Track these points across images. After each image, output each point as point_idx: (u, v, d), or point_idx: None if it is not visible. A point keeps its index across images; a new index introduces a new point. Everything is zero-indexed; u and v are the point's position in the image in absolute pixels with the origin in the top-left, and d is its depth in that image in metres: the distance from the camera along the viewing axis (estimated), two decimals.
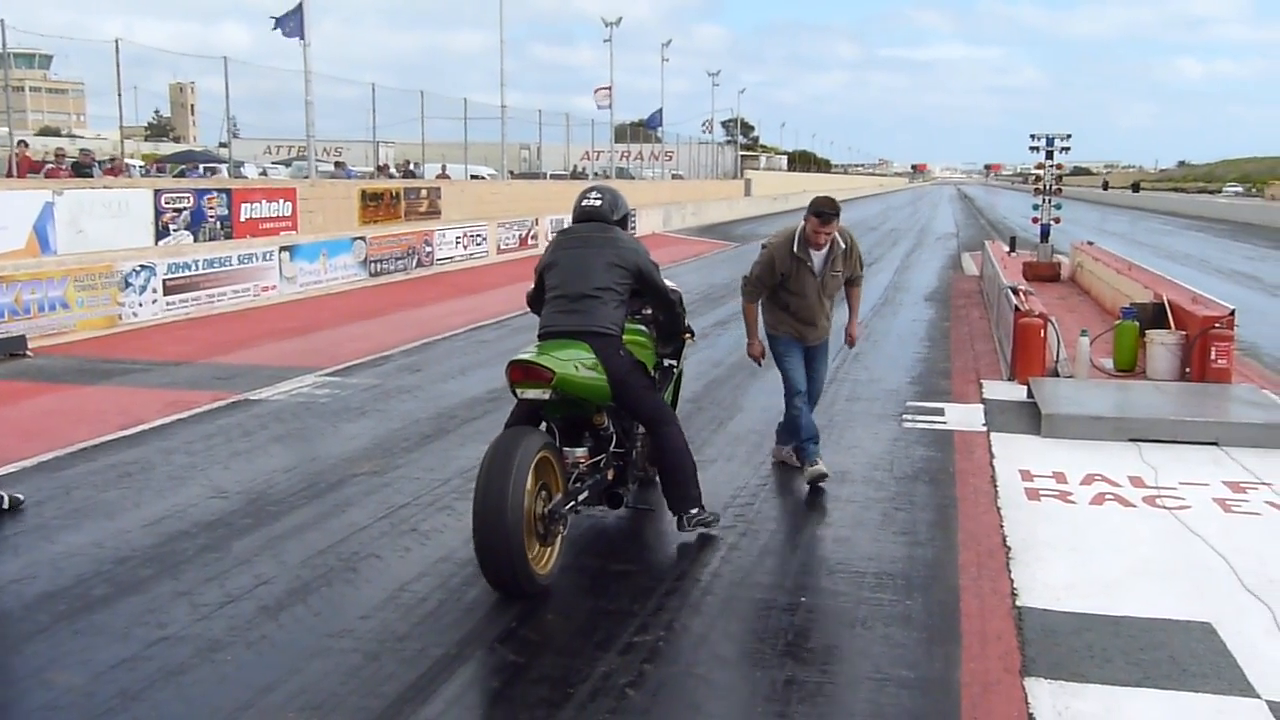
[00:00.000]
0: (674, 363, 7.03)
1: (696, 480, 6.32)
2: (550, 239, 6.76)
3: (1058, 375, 10.86)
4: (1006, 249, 22.71)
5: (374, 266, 20.50)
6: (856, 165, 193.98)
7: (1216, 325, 10.63)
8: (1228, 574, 5.80)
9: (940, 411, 9.72)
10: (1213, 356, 10.53)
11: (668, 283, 6.58)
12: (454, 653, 4.81)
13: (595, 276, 6.06)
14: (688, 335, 7.02)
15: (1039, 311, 11.12)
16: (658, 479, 6.47)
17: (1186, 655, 4.82)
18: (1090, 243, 21.81)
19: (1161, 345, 11.10)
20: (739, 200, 59.74)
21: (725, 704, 4.40)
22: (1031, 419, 9.21)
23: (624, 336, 6.16)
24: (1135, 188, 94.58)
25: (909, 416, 9.53)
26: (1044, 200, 21.48)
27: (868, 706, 4.36)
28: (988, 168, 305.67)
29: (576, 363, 5.81)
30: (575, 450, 6.03)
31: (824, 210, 7.15)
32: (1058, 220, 21.84)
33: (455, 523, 6.55)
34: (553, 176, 42.09)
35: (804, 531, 6.47)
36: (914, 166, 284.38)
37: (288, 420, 9.29)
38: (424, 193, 25.84)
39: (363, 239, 20.29)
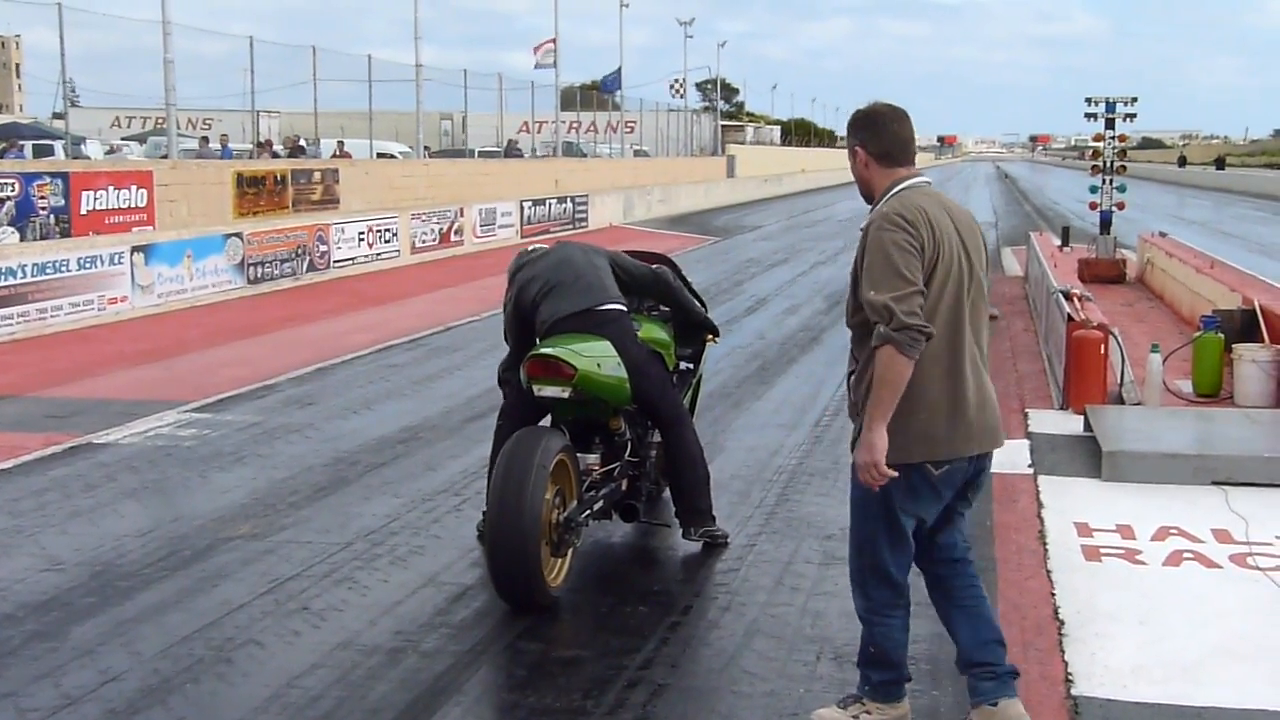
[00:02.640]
0: (692, 366, 7.92)
1: (709, 492, 7.22)
2: (508, 283, 7.46)
3: (1123, 402, 11.00)
4: (1057, 242, 22.96)
5: (254, 271, 20.46)
6: None
7: None
8: None
9: None
10: None
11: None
12: None
13: (582, 265, 7.09)
14: (712, 336, 7.98)
15: (1098, 322, 11.26)
16: (668, 492, 7.34)
17: None
18: (1163, 234, 22.07)
19: (1253, 363, 11.25)
20: (720, 183, 60.17)
21: None
22: (1090, 458, 9.31)
23: (641, 335, 7.11)
24: (1220, 164, 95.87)
25: None
26: (1104, 181, 21.74)
27: None
28: (1033, 140, 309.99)
29: (599, 360, 6.61)
30: (587, 457, 6.81)
31: None
32: (1121, 206, 22.10)
33: (358, 599, 6.56)
34: (482, 154, 42.18)
35: (803, 605, 6.51)
36: (940, 139, 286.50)
37: (142, 470, 9.25)
38: (317, 176, 25.86)
39: (239, 236, 20.26)
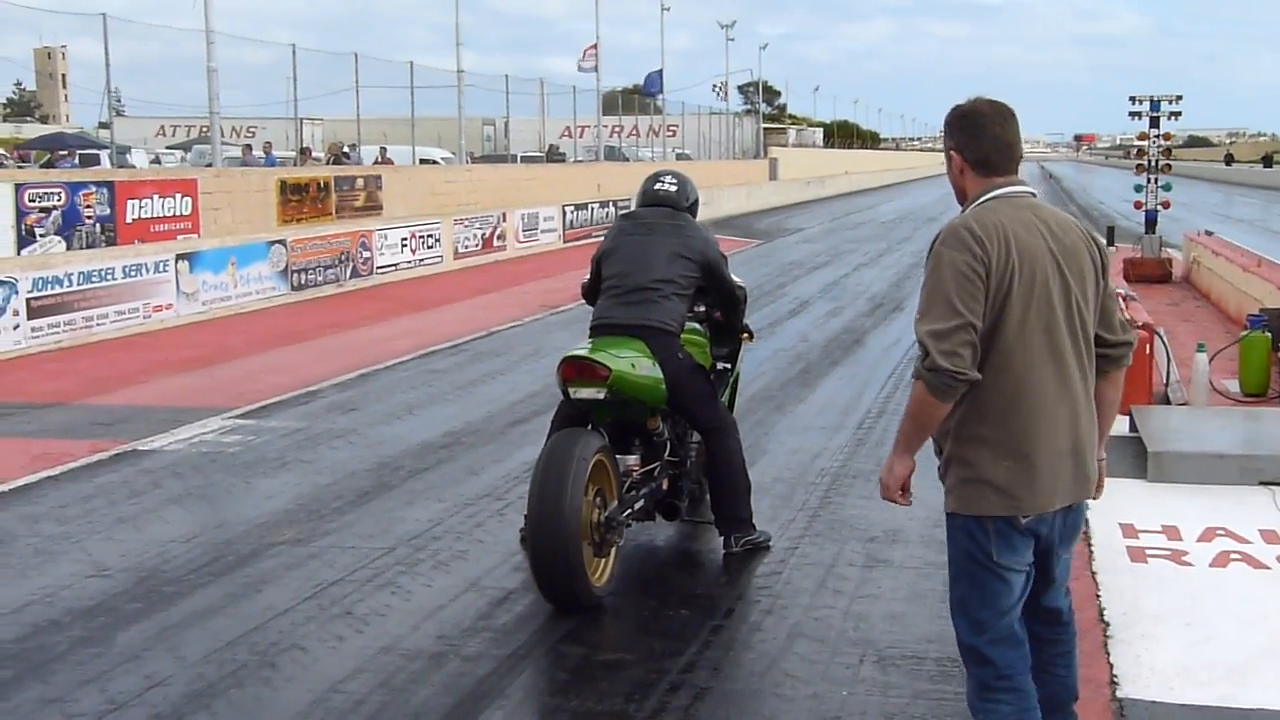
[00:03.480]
0: (729, 365, 7.88)
1: (749, 501, 7.22)
2: (612, 223, 7.64)
3: (1168, 402, 10.92)
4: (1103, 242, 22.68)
5: (297, 278, 20.58)
6: (910, 139, 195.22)
7: None
8: None
9: None
10: None
11: (734, 278, 7.46)
12: None
13: (658, 267, 6.99)
14: (746, 335, 7.91)
15: (1143, 322, 11.18)
16: (708, 495, 7.37)
17: None
18: (1209, 232, 21.90)
19: None
20: (762, 186, 60.04)
21: None
22: (1135, 458, 9.23)
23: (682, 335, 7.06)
24: (1267, 161, 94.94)
25: None
26: (1149, 180, 21.60)
27: None
28: (1078, 139, 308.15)
29: (634, 360, 6.69)
30: (627, 458, 6.87)
31: None
32: (1167, 205, 21.96)
33: (401, 604, 6.59)
34: (524, 159, 42.34)
35: (846, 607, 6.49)
36: None
37: (187, 476, 9.32)
38: (360, 183, 26.01)
39: (282, 243, 20.38)
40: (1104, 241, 4.23)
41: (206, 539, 7.75)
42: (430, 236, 24.95)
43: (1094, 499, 4.31)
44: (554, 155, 48.40)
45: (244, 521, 8.12)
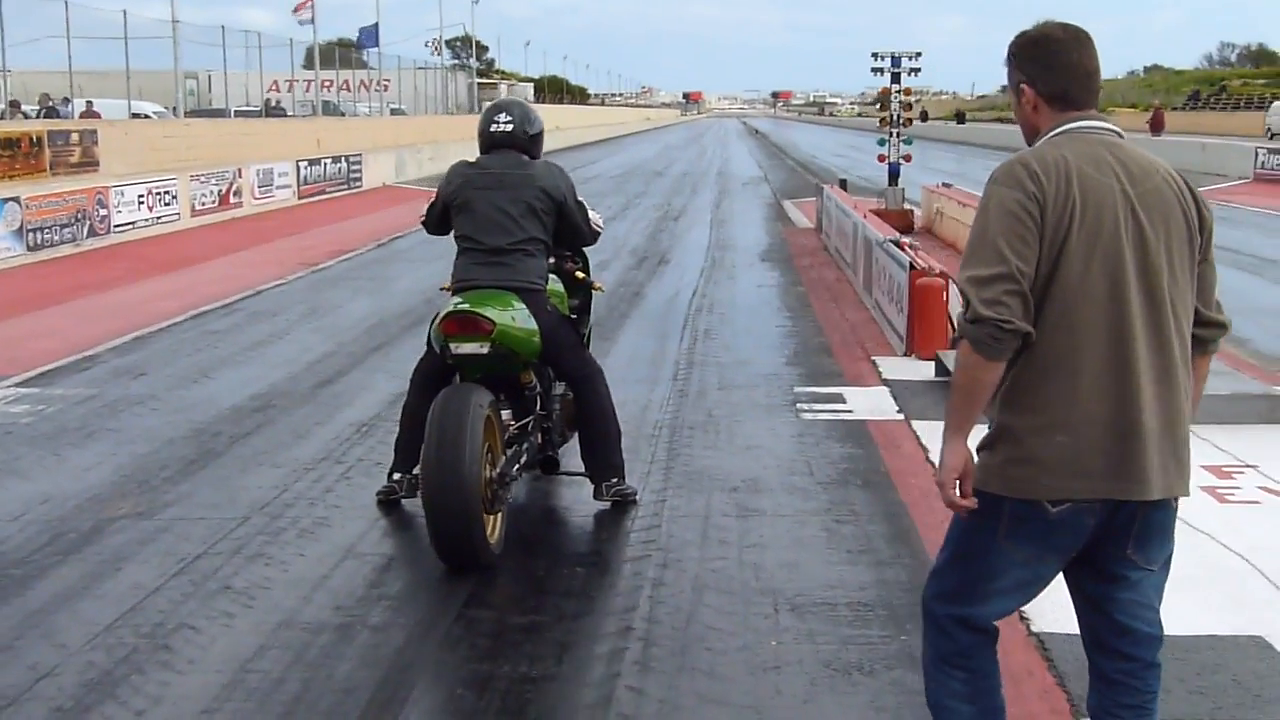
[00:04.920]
0: (577, 317, 7.66)
1: (620, 448, 7.14)
2: (451, 168, 7.15)
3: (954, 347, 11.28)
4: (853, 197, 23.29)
5: (33, 237, 19.32)
6: (615, 95, 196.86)
7: None
8: (1256, 576, 6.15)
9: (839, 398, 9.94)
10: None
11: (593, 215, 7.24)
12: None
13: (515, 225, 6.78)
14: (597, 286, 7.80)
15: (939, 270, 11.53)
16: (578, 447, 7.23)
17: (1250, 677, 5.07)
18: (947, 185, 22.76)
19: None
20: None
21: None
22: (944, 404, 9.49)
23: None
24: (960, 118, 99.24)
25: (804, 405, 9.70)
26: (891, 134, 22.29)
27: None
28: (775, 96, 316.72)
29: (513, 314, 6.53)
30: (502, 412, 6.65)
31: None
32: (908, 158, 22.72)
33: (280, 575, 6.25)
34: (239, 114, 40.82)
35: (738, 557, 6.46)
36: (686, 95, 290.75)
37: None
38: (75, 137, 24.55)
39: (17, 200, 19.07)
40: (1204, 199, 3.58)
41: (36, 516, 7.16)
42: (167, 193, 23.79)
43: (1183, 495, 3.55)
44: (274, 110, 46.87)
45: (71, 496, 7.54)
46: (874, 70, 21.98)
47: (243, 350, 12.19)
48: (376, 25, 56.29)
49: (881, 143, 22.51)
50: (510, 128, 6.94)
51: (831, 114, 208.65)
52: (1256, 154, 37.74)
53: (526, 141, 6.99)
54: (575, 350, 7.06)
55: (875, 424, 9.14)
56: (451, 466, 5.96)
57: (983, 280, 3.39)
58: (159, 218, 23.34)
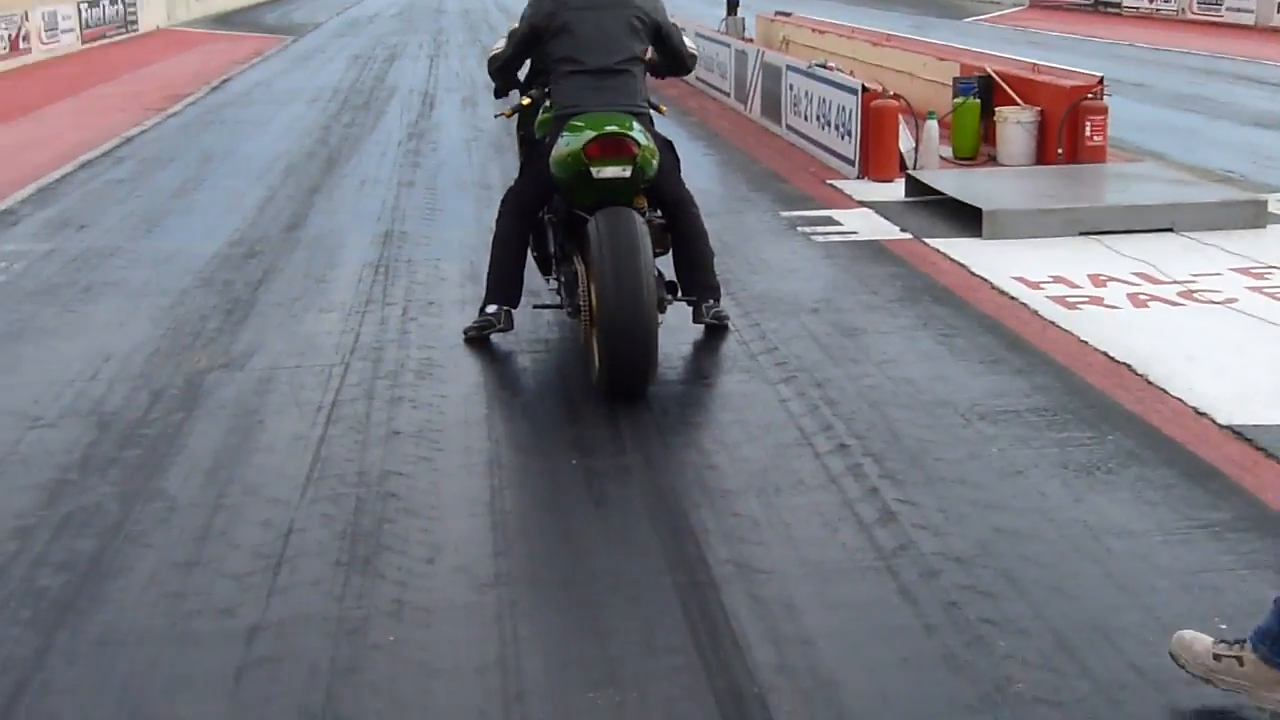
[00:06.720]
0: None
1: (715, 270, 7.11)
2: (534, 3, 6.78)
3: (905, 168, 11.43)
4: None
5: None
6: None
7: (1089, 96, 11.56)
8: None
9: (832, 220, 9.97)
10: (1088, 133, 11.49)
11: (688, 42, 7.10)
12: None
13: (620, 45, 6.60)
14: (661, 109, 7.37)
15: (893, 93, 11.60)
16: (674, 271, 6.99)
17: None
18: (783, 13, 22.58)
19: (1017, 125, 11.91)
20: None
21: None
22: (948, 220, 9.65)
23: None
24: None
25: (803, 229, 9.70)
26: None
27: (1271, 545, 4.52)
28: None
29: (644, 135, 6.36)
30: None
31: None
32: None
33: (439, 418, 5.98)
34: None
35: (883, 374, 6.44)
36: None
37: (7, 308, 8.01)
38: None
39: None
40: None
41: (115, 375, 6.61)
42: None
43: None
44: None
45: (130, 353, 6.99)
46: None
47: (170, 199, 11.47)
48: None
49: None
50: None
51: None
52: None
53: None
54: (675, 174, 6.91)
55: (891, 244, 9.20)
56: (632, 294, 5.87)
57: None
58: None
